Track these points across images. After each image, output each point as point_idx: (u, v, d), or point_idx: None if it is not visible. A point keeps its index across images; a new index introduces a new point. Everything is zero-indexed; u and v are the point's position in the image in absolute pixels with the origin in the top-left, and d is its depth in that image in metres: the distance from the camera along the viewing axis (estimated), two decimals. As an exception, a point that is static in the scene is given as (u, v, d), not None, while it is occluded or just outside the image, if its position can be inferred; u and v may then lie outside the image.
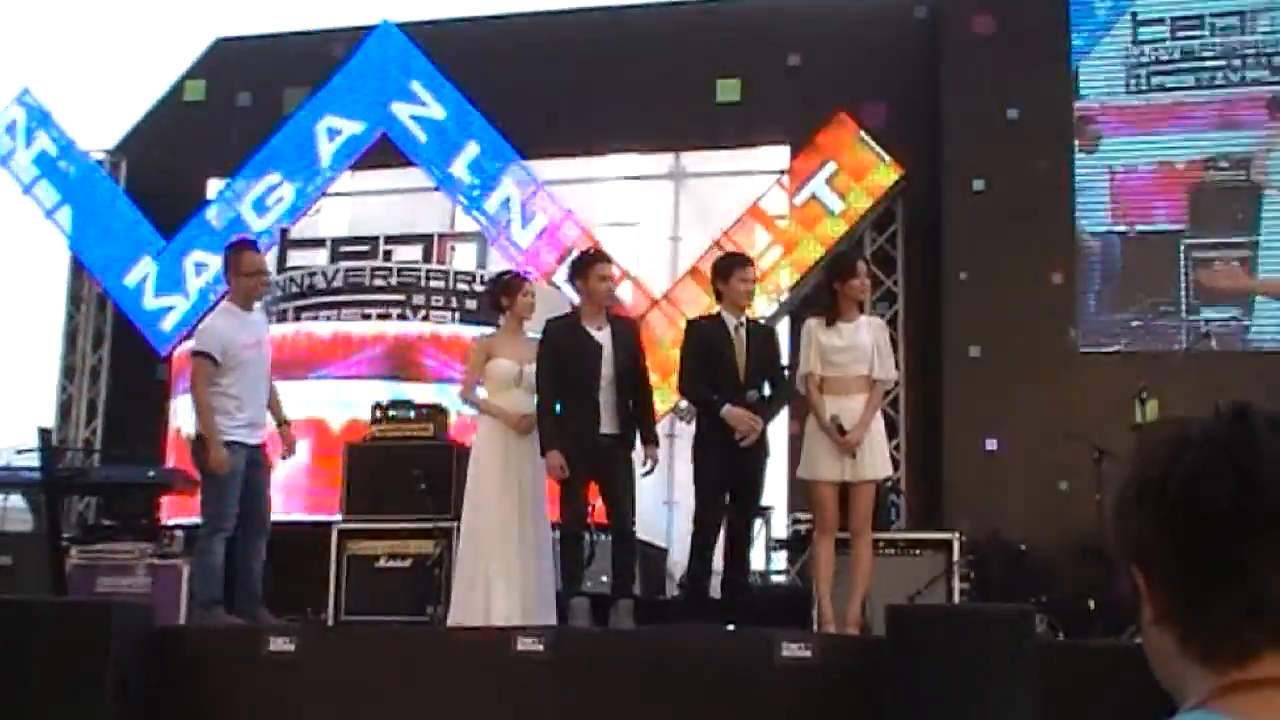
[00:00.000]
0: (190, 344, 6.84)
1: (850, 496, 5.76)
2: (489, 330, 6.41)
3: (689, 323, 6.27)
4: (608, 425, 5.79)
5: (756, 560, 9.22)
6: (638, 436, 5.91)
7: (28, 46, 15.03)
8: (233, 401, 5.90)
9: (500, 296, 6.10)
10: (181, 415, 9.93)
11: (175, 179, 12.34)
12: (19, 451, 7.86)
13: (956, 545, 6.48)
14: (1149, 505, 1.10)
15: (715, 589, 6.10)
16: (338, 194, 12.72)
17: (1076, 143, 9.86)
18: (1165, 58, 9.74)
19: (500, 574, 5.65)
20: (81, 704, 4.63)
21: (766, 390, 5.93)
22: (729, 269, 5.96)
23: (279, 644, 5.10)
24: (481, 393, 6.00)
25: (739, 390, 5.75)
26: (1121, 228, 9.67)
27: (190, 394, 6.15)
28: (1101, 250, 9.73)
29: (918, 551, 6.60)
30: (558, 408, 5.82)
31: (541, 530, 5.81)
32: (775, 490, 10.46)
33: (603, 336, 5.86)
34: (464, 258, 11.26)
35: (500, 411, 5.89)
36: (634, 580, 5.99)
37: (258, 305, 6.24)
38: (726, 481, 5.78)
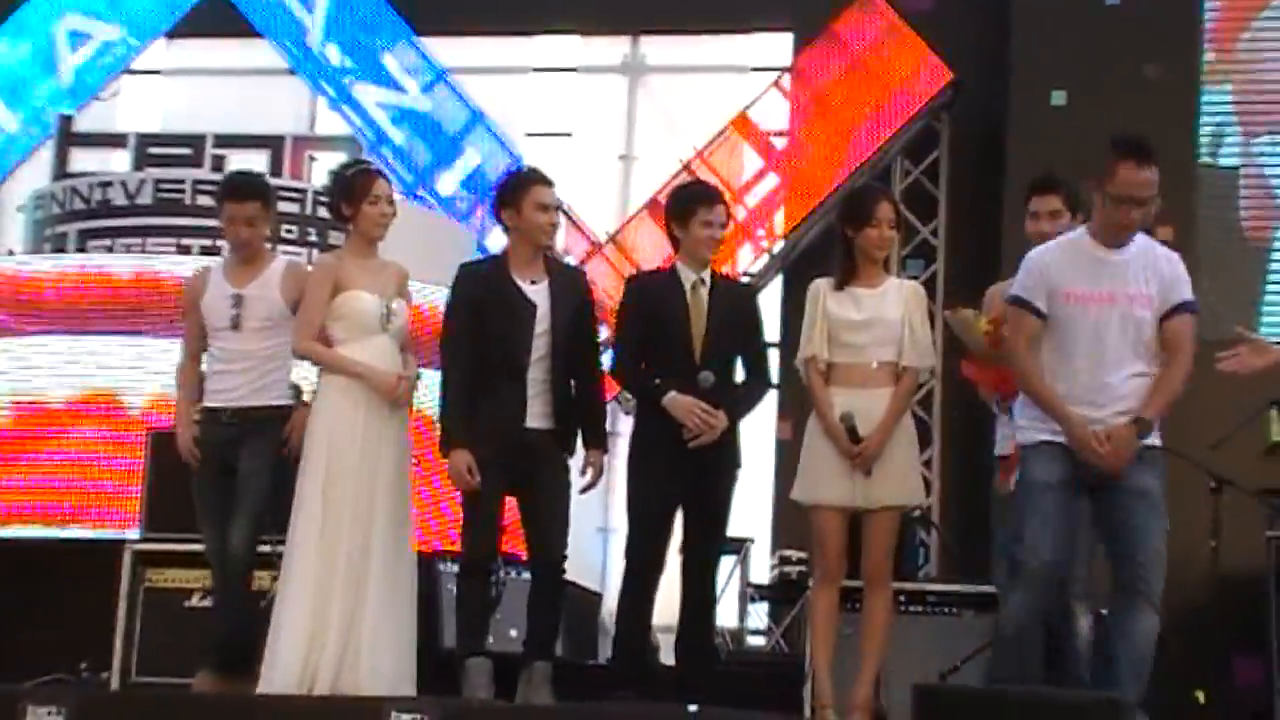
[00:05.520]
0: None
1: (864, 530, 5.76)
2: (329, 253, 6.37)
3: (628, 280, 6.26)
4: (537, 417, 5.76)
5: (726, 614, 9.31)
6: (577, 434, 5.90)
7: None
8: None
9: (341, 201, 6.00)
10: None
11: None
12: None
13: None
14: None
15: (668, 652, 6.11)
16: (146, 71, 12.56)
17: (1208, 40, 9.94)
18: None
19: (339, 616, 5.61)
20: None
21: (739, 374, 5.94)
22: (689, 205, 5.93)
23: (41, 715, 5.03)
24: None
25: (692, 371, 5.76)
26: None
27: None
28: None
29: (955, 610, 6.62)
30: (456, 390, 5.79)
31: (399, 552, 5.76)
32: (756, 517, 10.56)
33: (537, 293, 5.83)
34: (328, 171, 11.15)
35: (367, 370, 5.77)
36: (556, 636, 5.99)
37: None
38: (671, 501, 5.79)
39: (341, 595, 5.61)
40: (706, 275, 5.91)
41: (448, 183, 11.69)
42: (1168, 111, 9.80)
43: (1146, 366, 5.15)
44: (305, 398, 6.07)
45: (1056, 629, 5.58)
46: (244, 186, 6.26)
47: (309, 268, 6.38)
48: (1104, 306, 5.17)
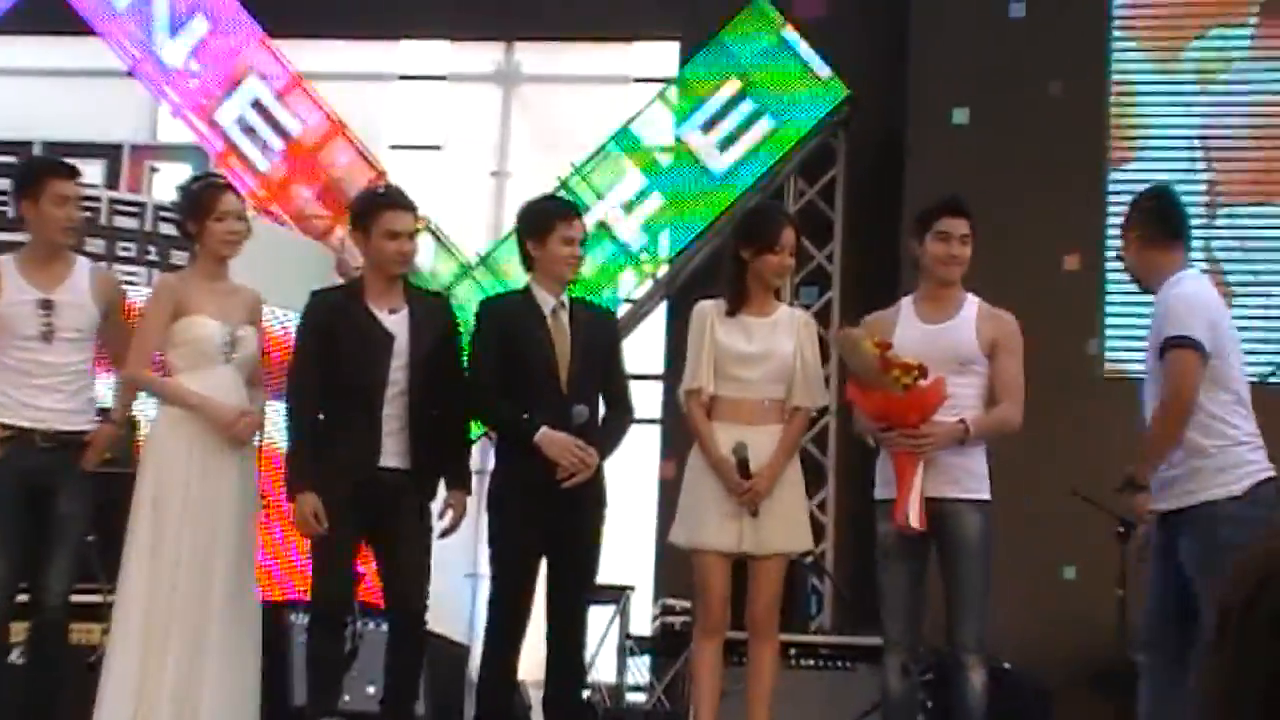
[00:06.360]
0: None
1: (749, 577, 5.77)
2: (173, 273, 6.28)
3: (481, 304, 6.23)
4: (393, 456, 5.73)
5: (605, 668, 9.27)
6: (438, 475, 5.85)
7: None
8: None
9: (187, 218, 5.92)
10: None
11: None
12: None
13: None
14: (1235, 638, 1.26)
15: (541, 710, 6.08)
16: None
17: (1115, 53, 10.08)
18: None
19: (173, 672, 5.50)
20: None
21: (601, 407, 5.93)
22: (546, 220, 5.94)
23: None
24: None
25: (561, 404, 5.74)
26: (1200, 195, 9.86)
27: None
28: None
29: (848, 664, 6.66)
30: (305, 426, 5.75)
31: (242, 601, 5.69)
32: (637, 564, 10.53)
33: (395, 322, 5.79)
34: (171, 183, 10.98)
35: (204, 402, 5.70)
36: (417, 694, 5.93)
37: None
38: (537, 545, 5.77)
39: (177, 649, 5.51)
40: (565, 298, 5.90)
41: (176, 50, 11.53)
42: (1074, 131, 9.93)
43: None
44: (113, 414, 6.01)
45: (950, 680, 5.64)
46: (68, 163, 6.10)
47: (114, 274, 6.29)
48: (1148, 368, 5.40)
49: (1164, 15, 10.10)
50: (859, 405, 5.68)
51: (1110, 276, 9.80)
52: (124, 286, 6.33)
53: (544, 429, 5.67)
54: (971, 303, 5.80)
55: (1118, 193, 9.85)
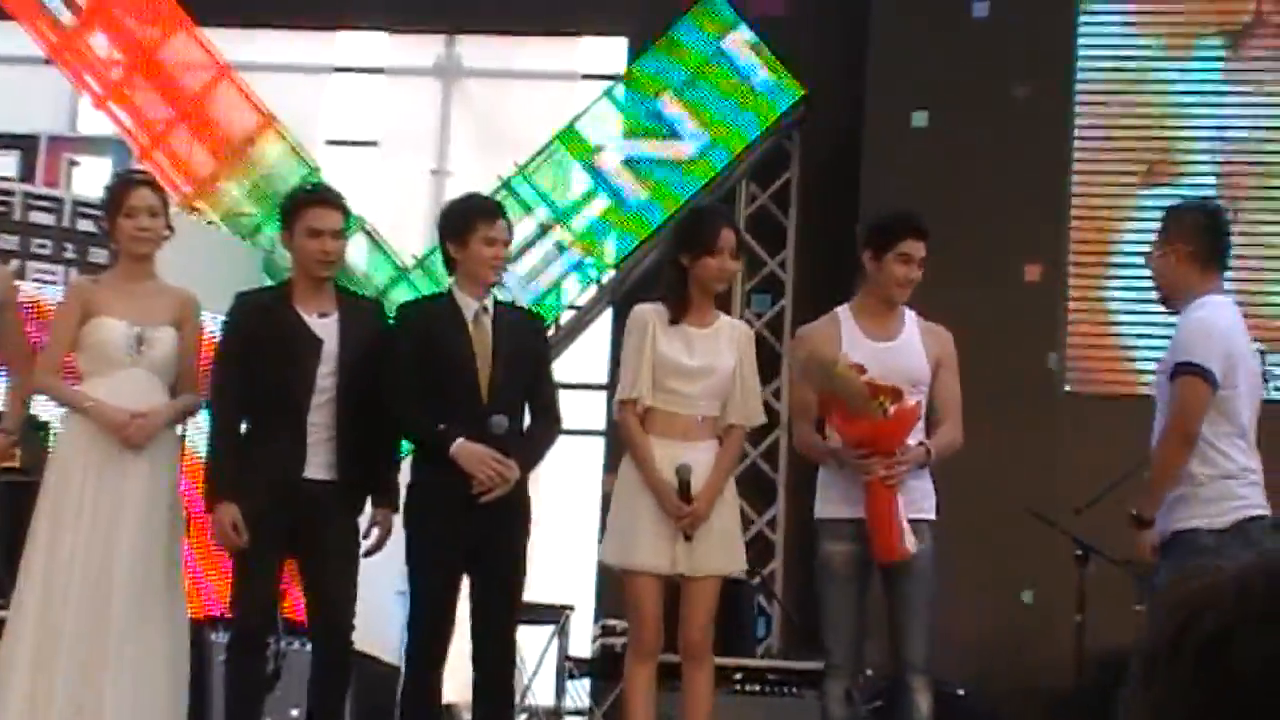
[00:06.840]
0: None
1: (683, 598, 5.76)
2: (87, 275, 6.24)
3: (399, 307, 6.24)
4: (318, 467, 5.72)
5: (543, 692, 9.26)
6: (366, 488, 5.85)
7: None
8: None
9: (105, 215, 5.94)
10: None
11: None
12: None
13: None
14: (1160, 677, 1.26)
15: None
16: None
17: (1081, 54, 10.14)
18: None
19: (64, 697, 5.45)
20: None
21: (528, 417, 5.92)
22: (467, 221, 5.92)
23: None
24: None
25: (481, 414, 5.73)
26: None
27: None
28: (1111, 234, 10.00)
29: (793, 690, 6.67)
30: (229, 433, 5.73)
31: (153, 618, 5.64)
32: (578, 583, 10.50)
33: (324, 327, 5.78)
34: (91, 178, 10.93)
35: (95, 407, 5.66)
36: (343, 716, 5.91)
37: None
38: (458, 560, 5.77)
39: (67, 669, 5.47)
40: (489, 303, 5.88)
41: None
42: (1038, 137, 9.98)
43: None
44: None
45: (896, 703, 5.67)
46: None
47: (5, 269, 6.27)
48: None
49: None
50: (842, 433, 5.63)
51: (1073, 288, 9.85)
52: (17, 283, 6.29)
53: (460, 440, 5.65)
54: (911, 318, 5.82)
55: (1084, 203, 9.93)
